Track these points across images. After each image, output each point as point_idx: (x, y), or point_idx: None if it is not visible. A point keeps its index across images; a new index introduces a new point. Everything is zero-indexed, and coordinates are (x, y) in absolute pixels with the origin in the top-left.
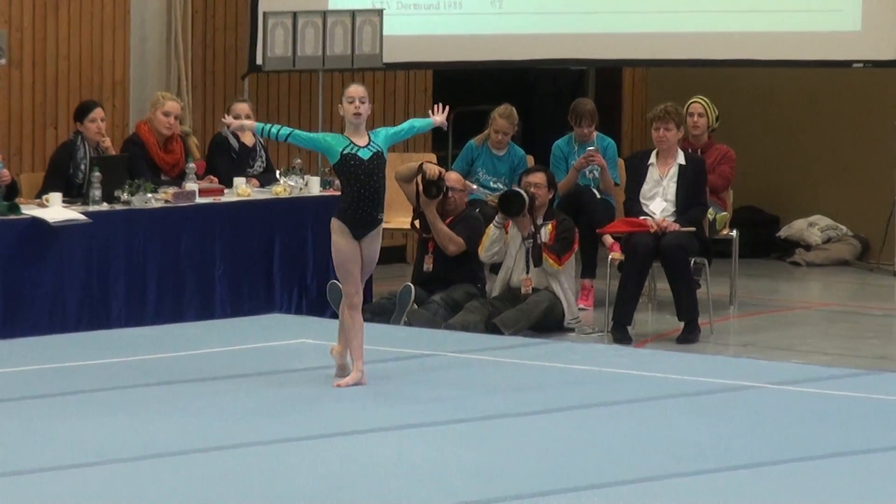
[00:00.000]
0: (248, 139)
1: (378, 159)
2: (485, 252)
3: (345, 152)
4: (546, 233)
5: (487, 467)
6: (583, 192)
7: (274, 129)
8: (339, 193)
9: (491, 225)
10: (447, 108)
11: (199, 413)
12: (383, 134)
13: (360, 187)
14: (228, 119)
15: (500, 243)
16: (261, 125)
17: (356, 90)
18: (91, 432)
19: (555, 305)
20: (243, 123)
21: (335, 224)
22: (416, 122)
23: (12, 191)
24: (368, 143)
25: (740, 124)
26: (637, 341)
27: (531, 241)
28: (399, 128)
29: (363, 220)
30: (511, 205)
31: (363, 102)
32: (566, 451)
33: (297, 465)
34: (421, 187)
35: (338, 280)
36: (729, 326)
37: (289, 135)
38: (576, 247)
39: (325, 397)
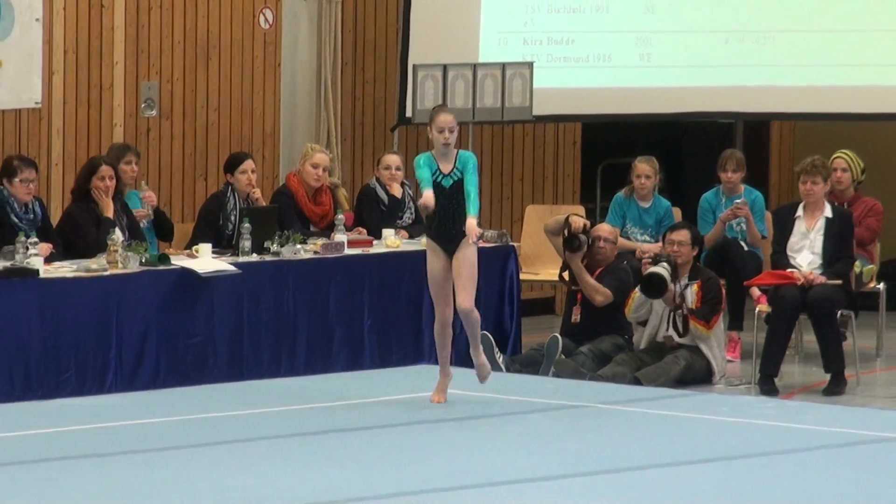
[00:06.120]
0: (397, 191)
1: (458, 186)
2: (631, 314)
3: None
4: (692, 294)
5: None
6: (730, 245)
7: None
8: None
9: (637, 289)
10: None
11: (345, 464)
12: (471, 164)
13: (440, 209)
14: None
15: (647, 306)
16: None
17: (446, 120)
18: (236, 483)
19: (694, 363)
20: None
21: (427, 243)
22: (471, 192)
23: (163, 221)
24: (452, 171)
25: (888, 177)
26: (783, 393)
27: (678, 311)
28: (469, 180)
29: (447, 235)
30: (652, 288)
31: (452, 132)
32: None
33: None
34: (564, 240)
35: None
36: (876, 379)
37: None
38: (723, 306)
39: (473, 448)
